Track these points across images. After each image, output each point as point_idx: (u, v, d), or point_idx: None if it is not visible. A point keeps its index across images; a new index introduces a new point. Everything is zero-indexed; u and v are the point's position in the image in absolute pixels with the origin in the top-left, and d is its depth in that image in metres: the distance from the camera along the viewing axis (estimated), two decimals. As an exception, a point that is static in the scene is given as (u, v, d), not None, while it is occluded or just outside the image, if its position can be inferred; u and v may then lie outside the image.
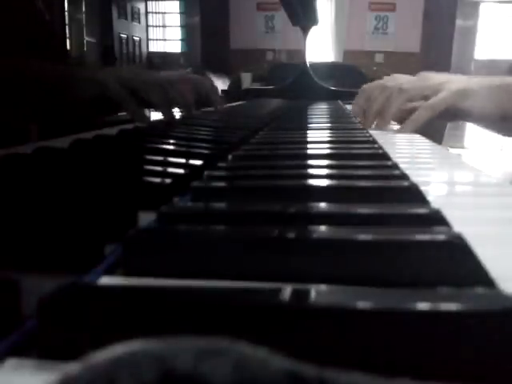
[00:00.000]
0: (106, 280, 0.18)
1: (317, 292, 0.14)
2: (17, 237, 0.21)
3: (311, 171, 0.34)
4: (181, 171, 0.34)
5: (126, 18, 5.69)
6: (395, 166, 0.34)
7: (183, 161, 0.39)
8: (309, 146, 0.48)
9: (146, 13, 6.10)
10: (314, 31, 1.53)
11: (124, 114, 0.61)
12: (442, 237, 0.18)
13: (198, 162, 0.38)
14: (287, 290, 0.13)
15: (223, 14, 5.69)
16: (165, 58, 5.93)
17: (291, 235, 0.18)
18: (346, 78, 2.52)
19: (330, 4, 5.39)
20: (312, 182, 0.30)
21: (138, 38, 5.95)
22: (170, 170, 0.36)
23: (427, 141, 0.62)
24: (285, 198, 0.27)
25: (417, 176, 0.31)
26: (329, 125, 0.74)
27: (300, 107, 1.19)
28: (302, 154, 0.43)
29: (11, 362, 0.13)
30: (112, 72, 0.60)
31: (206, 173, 0.31)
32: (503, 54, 5.09)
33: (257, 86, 3.06)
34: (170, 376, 0.09)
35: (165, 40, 6.18)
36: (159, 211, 0.23)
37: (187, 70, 4.59)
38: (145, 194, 0.27)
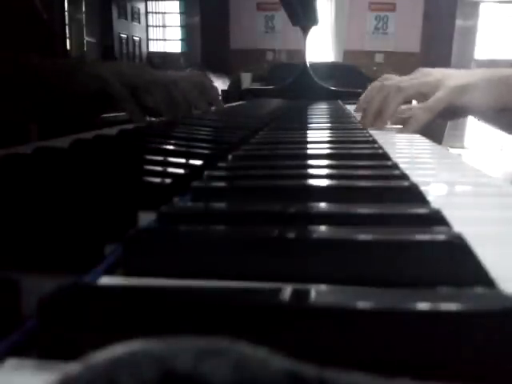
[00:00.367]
0: (105, 280, 0.18)
1: (317, 292, 0.14)
2: (17, 237, 0.21)
3: (311, 171, 0.34)
4: (181, 171, 0.34)
5: (126, 18, 5.69)
6: (395, 166, 0.34)
7: (183, 161, 0.39)
8: (309, 145, 0.48)
9: (146, 13, 6.09)
10: (313, 31, 1.53)
11: (123, 113, 0.61)
12: (441, 237, 0.18)
13: (198, 162, 0.38)
14: (287, 290, 0.13)
15: (223, 14, 5.68)
16: (165, 58, 5.92)
17: (291, 235, 0.18)
18: (346, 78, 2.52)
19: (329, 4, 5.39)
20: (312, 182, 0.30)
21: (137, 38, 5.94)
22: (170, 169, 0.36)
23: (427, 141, 0.61)
24: (285, 198, 0.27)
25: (417, 176, 0.31)
26: (329, 125, 0.74)
27: (300, 107, 1.19)
28: (302, 154, 0.43)
29: (11, 362, 0.13)
30: (113, 68, 0.60)
31: (206, 173, 0.31)
32: (503, 54, 5.08)
33: (257, 86, 3.06)
34: (170, 376, 0.09)
35: (165, 40, 6.18)
36: (159, 211, 0.23)
37: (187, 69, 4.59)
38: (145, 194, 0.27)
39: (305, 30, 1.52)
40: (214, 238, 0.19)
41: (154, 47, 6.20)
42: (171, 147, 0.48)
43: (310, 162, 0.38)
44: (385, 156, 0.40)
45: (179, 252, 0.18)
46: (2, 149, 0.40)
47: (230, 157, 0.39)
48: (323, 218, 0.22)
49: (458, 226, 0.20)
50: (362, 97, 0.85)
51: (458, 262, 0.17)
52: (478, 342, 0.12)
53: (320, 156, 0.41)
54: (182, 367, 0.09)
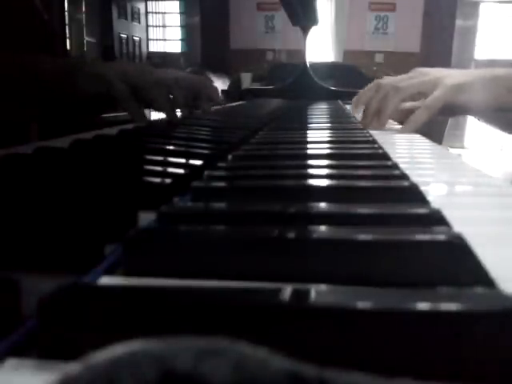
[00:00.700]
0: (105, 280, 0.18)
1: (317, 292, 0.14)
2: (17, 237, 0.21)
3: (311, 171, 0.34)
4: (181, 171, 0.34)
5: (126, 18, 5.69)
6: (395, 166, 0.34)
7: (183, 161, 0.39)
8: (309, 145, 0.48)
9: (146, 13, 6.09)
10: (314, 31, 1.53)
11: (123, 113, 0.60)
12: (441, 237, 0.18)
13: (198, 162, 0.38)
14: (287, 290, 0.13)
15: (223, 14, 5.68)
16: (165, 58, 5.92)
17: (291, 235, 0.18)
18: (346, 78, 2.52)
19: (329, 4, 5.39)
20: (312, 182, 0.30)
21: (137, 38, 5.94)
22: (170, 169, 0.36)
23: (427, 141, 0.61)
24: (285, 198, 0.27)
25: (417, 176, 0.31)
26: (329, 125, 0.74)
27: (300, 107, 1.19)
28: (302, 154, 0.43)
29: (11, 362, 0.13)
30: (114, 67, 0.60)
31: (206, 173, 0.31)
32: (503, 54, 5.08)
33: (257, 86, 3.06)
34: (170, 376, 0.09)
35: (165, 40, 6.18)
36: (159, 211, 0.23)
37: (187, 69, 4.59)
38: (145, 194, 0.27)
39: (305, 30, 1.52)
40: (213, 238, 0.19)
41: (154, 47, 6.20)
42: (171, 147, 0.48)
43: (310, 162, 0.38)
44: (385, 156, 0.40)
45: (179, 252, 0.18)
46: (2, 149, 0.40)
47: (229, 157, 0.39)
48: (323, 218, 0.22)
49: (457, 226, 0.20)
50: (358, 95, 0.85)
51: (457, 262, 0.17)
52: (478, 342, 0.12)
53: (320, 156, 0.41)
54: (181, 367, 0.09)
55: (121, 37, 5.58)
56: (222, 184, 0.30)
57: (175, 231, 0.20)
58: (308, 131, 0.64)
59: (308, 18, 1.44)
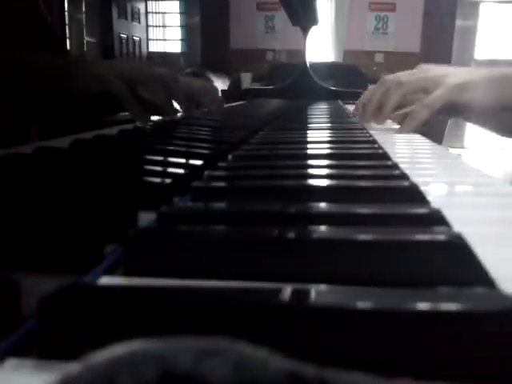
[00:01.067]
0: (105, 280, 0.18)
1: (317, 292, 0.14)
2: (17, 237, 0.21)
3: (311, 171, 0.34)
4: (181, 171, 0.34)
5: (126, 18, 5.69)
6: (395, 166, 0.34)
7: (183, 161, 0.39)
8: (309, 145, 0.48)
9: (146, 13, 6.10)
10: (314, 31, 1.53)
11: (124, 114, 0.60)
12: (442, 237, 0.18)
13: (198, 162, 0.38)
14: (287, 290, 0.13)
15: (223, 14, 5.69)
16: (165, 58, 5.92)
17: (291, 235, 0.18)
18: (346, 78, 2.52)
19: (329, 4, 5.39)
20: (312, 182, 0.30)
21: (137, 38, 5.94)
22: (170, 169, 0.36)
23: (427, 141, 0.61)
24: (285, 198, 0.27)
25: (417, 176, 0.31)
26: (329, 125, 0.74)
27: (300, 107, 1.19)
28: (302, 154, 0.43)
29: (11, 362, 0.13)
30: (113, 66, 0.60)
31: (206, 173, 0.31)
32: (503, 54, 5.08)
33: (257, 86, 3.06)
34: (170, 376, 0.09)
35: (165, 40, 6.18)
36: (159, 211, 0.23)
37: (187, 69, 4.59)
38: (145, 194, 0.27)
39: (305, 30, 1.52)
40: (213, 238, 0.19)
41: (154, 47, 6.20)
42: (171, 147, 0.48)
43: (310, 162, 0.38)
44: (385, 156, 0.40)
45: (179, 252, 0.18)
46: (2, 149, 0.40)
47: (230, 157, 0.39)
48: (323, 218, 0.22)
49: (457, 226, 0.20)
50: (361, 98, 0.85)
51: (457, 262, 0.17)
52: (478, 342, 0.12)
53: (320, 156, 0.41)
54: (181, 367, 0.09)
55: (121, 37, 5.58)
56: (221, 184, 0.30)
57: (175, 231, 0.20)
58: (308, 131, 0.64)
59: (308, 17, 1.44)
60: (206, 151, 0.44)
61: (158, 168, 0.36)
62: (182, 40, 6.11)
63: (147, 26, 6.14)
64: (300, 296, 0.13)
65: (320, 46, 5.22)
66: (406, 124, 0.68)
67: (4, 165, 0.34)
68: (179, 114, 0.72)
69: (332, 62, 4.30)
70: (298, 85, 1.59)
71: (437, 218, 0.21)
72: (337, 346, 0.12)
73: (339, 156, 0.41)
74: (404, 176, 0.30)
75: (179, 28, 6.11)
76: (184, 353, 0.09)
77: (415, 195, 0.26)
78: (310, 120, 0.84)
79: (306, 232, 0.19)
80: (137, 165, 0.37)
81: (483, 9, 5.28)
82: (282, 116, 0.94)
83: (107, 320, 0.13)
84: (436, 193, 0.31)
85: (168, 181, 0.30)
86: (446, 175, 0.40)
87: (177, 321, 0.13)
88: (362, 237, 0.18)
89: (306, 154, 0.43)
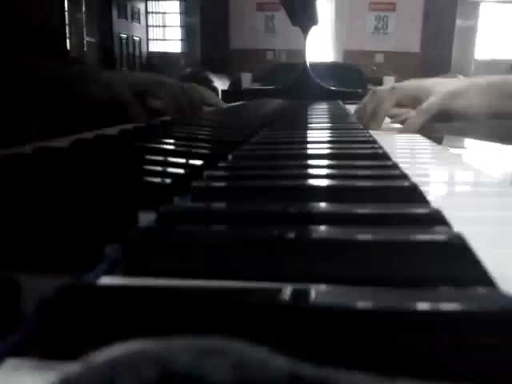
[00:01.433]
0: (106, 280, 0.18)
1: (317, 292, 0.14)
2: (17, 237, 0.21)
3: (311, 171, 0.34)
4: (181, 171, 0.34)
5: (126, 18, 5.69)
6: (395, 166, 0.34)
7: (183, 161, 0.39)
8: (309, 145, 0.48)
9: (146, 13, 6.10)
10: (314, 31, 1.53)
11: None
12: (442, 237, 0.18)
13: (198, 162, 0.38)
14: (287, 290, 0.13)
15: (223, 14, 5.69)
16: (165, 58, 5.92)
17: (291, 235, 0.18)
18: (346, 78, 2.52)
19: (329, 4, 5.39)
20: (312, 181, 0.30)
21: (137, 38, 5.95)
22: (170, 169, 0.36)
23: (427, 141, 0.61)
24: (285, 198, 0.27)
25: (417, 176, 0.31)
26: (329, 125, 0.74)
27: (300, 107, 1.19)
28: (302, 153, 0.43)
29: (11, 362, 0.13)
30: (120, 75, 0.60)
31: (205, 173, 0.31)
32: (503, 54, 5.08)
33: (257, 86, 3.06)
34: (170, 376, 0.09)
35: (165, 40, 6.18)
36: (159, 211, 0.23)
37: (187, 70, 4.59)
38: (145, 194, 0.27)
39: (305, 30, 1.52)
40: (213, 239, 0.19)
41: (154, 47, 6.20)
42: (171, 147, 0.48)
43: (310, 161, 0.38)
44: (385, 156, 0.40)
45: (179, 252, 0.18)
46: (2, 149, 0.40)
47: (229, 157, 0.39)
48: (323, 218, 0.22)
49: (457, 226, 0.20)
50: (360, 105, 0.86)
51: (457, 261, 0.17)
52: (478, 341, 0.12)
53: (320, 156, 0.41)
54: (181, 367, 0.09)
55: (121, 37, 5.58)
56: (221, 184, 0.30)
57: (175, 231, 0.20)
58: (308, 131, 0.64)
59: (308, 17, 1.44)
60: (205, 151, 0.44)
61: (158, 168, 0.36)
62: (181, 40, 6.11)
63: (147, 25, 6.14)
64: (300, 296, 0.13)
65: (320, 45, 5.22)
66: (404, 129, 0.71)
67: (4, 165, 0.34)
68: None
69: (332, 62, 4.29)
70: (298, 85, 1.59)
71: (437, 218, 0.21)
72: (337, 345, 0.12)
73: (339, 156, 0.41)
74: (404, 176, 0.30)
75: (179, 28, 6.11)
76: (184, 353, 0.09)
77: (415, 195, 0.26)
78: (310, 120, 0.84)
79: (306, 232, 0.19)
80: (137, 165, 0.37)
81: (483, 9, 5.28)
82: (282, 116, 0.94)
83: (107, 320, 0.13)
84: (436, 193, 0.31)
85: (168, 181, 0.30)
86: (446, 175, 0.40)
87: (177, 321, 0.13)
88: (362, 237, 0.18)
89: (306, 153, 0.43)
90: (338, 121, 0.83)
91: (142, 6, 6.00)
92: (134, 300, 0.14)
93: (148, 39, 6.17)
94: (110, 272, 0.19)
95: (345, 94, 1.56)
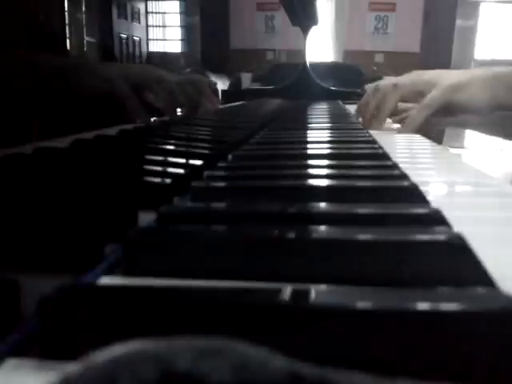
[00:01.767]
0: (106, 280, 0.18)
1: (317, 292, 0.14)
2: (17, 237, 0.21)
3: (311, 171, 0.34)
4: (181, 171, 0.34)
5: (126, 18, 5.69)
6: (395, 166, 0.34)
7: (183, 161, 0.39)
8: (309, 145, 0.48)
9: (146, 13, 6.09)
10: (314, 31, 1.53)
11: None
12: (441, 237, 0.18)
13: (198, 162, 0.38)
14: (287, 290, 0.13)
15: (223, 14, 5.68)
16: (165, 58, 5.92)
17: (291, 235, 0.18)
18: (346, 78, 2.52)
19: (329, 4, 5.39)
20: (312, 182, 0.30)
21: (137, 38, 5.94)
22: (170, 169, 0.36)
23: (427, 141, 0.61)
24: (285, 198, 0.27)
25: (417, 176, 0.31)
26: (329, 125, 0.74)
27: (300, 107, 1.19)
28: (302, 153, 0.43)
29: (11, 362, 0.13)
30: (116, 68, 0.60)
31: (205, 173, 0.31)
32: (503, 54, 5.08)
33: (257, 86, 3.06)
34: (170, 376, 0.09)
35: (165, 40, 6.18)
36: (159, 211, 0.23)
37: (187, 70, 4.59)
38: (145, 194, 0.27)
39: (305, 30, 1.52)
40: (213, 238, 0.19)
41: (154, 47, 6.20)
42: (171, 147, 0.48)
43: (310, 162, 0.38)
44: (385, 156, 0.40)
45: (179, 252, 0.18)
46: (2, 149, 0.40)
47: (229, 157, 0.39)
48: (323, 218, 0.22)
49: (457, 226, 0.20)
50: (361, 101, 0.85)
51: (457, 261, 0.17)
52: (477, 341, 0.12)
53: (320, 156, 0.41)
54: (181, 367, 0.09)
55: (121, 37, 5.58)
56: (221, 184, 0.30)
57: (175, 231, 0.20)
58: (308, 131, 0.64)
59: (308, 17, 1.44)
60: (205, 151, 0.44)
61: (158, 168, 0.36)
62: (182, 40, 6.11)
63: (147, 25, 6.14)
64: (300, 296, 0.13)
65: (320, 45, 5.22)
66: (405, 126, 0.69)
67: (4, 165, 0.34)
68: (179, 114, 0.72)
69: (332, 62, 4.29)
70: (298, 85, 1.59)
71: (437, 218, 0.21)
72: (337, 345, 0.12)
73: (339, 156, 0.41)
74: (404, 176, 0.30)
75: (179, 28, 6.11)
76: (184, 353, 0.09)
77: (415, 195, 0.26)
78: (309, 120, 0.84)
79: (305, 232, 0.19)
80: (137, 165, 0.37)
81: (483, 9, 5.28)
82: (282, 116, 0.94)
83: (107, 320, 0.13)
84: (436, 193, 0.31)
85: (168, 181, 0.30)
86: (446, 175, 0.40)
87: (177, 321, 0.13)
88: (362, 237, 0.18)
89: (306, 153, 0.43)
90: (337, 121, 0.83)
91: (142, 6, 6.00)
92: (133, 300, 0.14)
93: (148, 39, 6.17)
94: (109, 272, 0.19)
95: (345, 94, 1.56)
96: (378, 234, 0.18)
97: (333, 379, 0.09)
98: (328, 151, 0.44)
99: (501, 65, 0.67)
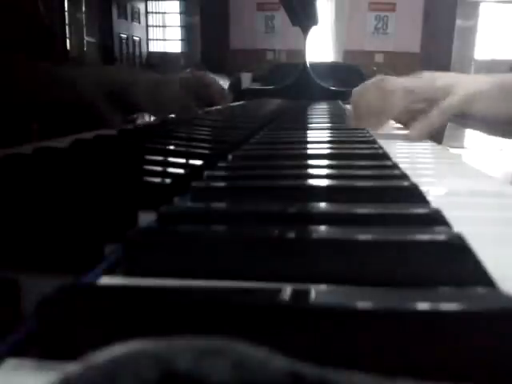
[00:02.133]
0: (106, 280, 0.18)
1: (317, 292, 0.14)
2: (17, 237, 0.21)
3: (311, 171, 0.34)
4: (181, 171, 0.34)
5: (126, 18, 5.69)
6: (395, 166, 0.34)
7: (183, 161, 0.39)
8: (309, 145, 0.48)
9: (146, 13, 6.09)
10: (314, 31, 1.53)
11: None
12: (441, 237, 0.18)
13: (198, 162, 0.38)
14: (287, 290, 0.13)
15: (223, 14, 5.68)
16: (165, 58, 5.92)
17: (291, 235, 0.18)
18: (346, 78, 2.52)
19: (329, 4, 5.38)
20: (312, 182, 0.30)
21: (137, 38, 5.94)
22: (170, 169, 0.36)
23: (427, 141, 0.61)
24: (285, 198, 0.27)
25: (417, 176, 0.31)
26: (329, 125, 0.74)
27: (300, 107, 1.19)
28: (302, 153, 0.43)
29: (11, 362, 0.13)
30: (89, 73, 0.60)
31: (206, 173, 0.31)
32: (503, 54, 5.08)
33: (257, 86, 3.06)
34: (170, 376, 0.09)
35: (165, 40, 6.18)
36: (159, 211, 0.23)
37: (187, 70, 4.58)
38: (145, 194, 0.27)
39: (305, 30, 1.52)
40: (213, 238, 0.19)
41: (154, 47, 6.20)
42: (171, 147, 0.48)
43: (310, 162, 0.38)
44: (385, 156, 0.40)
45: (179, 252, 0.18)
46: (2, 149, 0.40)
47: (229, 157, 0.39)
48: (323, 218, 0.22)
49: (457, 226, 0.20)
50: (356, 95, 0.82)
51: (457, 261, 0.17)
52: (477, 341, 0.12)
53: (320, 156, 0.41)
54: (181, 367, 0.09)
55: (121, 37, 5.58)
56: (221, 184, 0.30)
57: (175, 231, 0.20)
58: (308, 131, 0.64)
59: (308, 17, 1.44)
60: (205, 151, 0.44)
61: (158, 168, 0.36)
62: (182, 40, 6.11)
63: (147, 25, 6.14)
64: (300, 296, 0.13)
65: (320, 45, 5.21)
66: (417, 129, 0.64)
67: (4, 165, 0.34)
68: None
69: (332, 62, 4.29)
70: (298, 85, 1.59)
71: (437, 218, 0.21)
72: (337, 345, 0.12)
73: (339, 156, 0.41)
74: (404, 176, 0.30)
75: (179, 28, 6.10)
76: (184, 353, 0.09)
77: (415, 195, 0.26)
78: (309, 120, 0.84)
79: (305, 232, 0.19)
80: (137, 165, 0.37)
81: (483, 9, 5.28)
82: (281, 116, 0.94)
83: (107, 320, 0.13)
84: (436, 193, 0.31)
85: (168, 181, 0.30)
86: (446, 175, 0.40)
87: (177, 321, 0.13)
88: (362, 237, 0.18)
89: (306, 154, 0.43)
90: (337, 121, 0.83)
91: (142, 6, 6.00)
92: (134, 300, 0.14)
93: (148, 39, 6.16)
94: (109, 272, 0.19)
95: (345, 94, 1.56)
96: (378, 234, 0.18)
97: (333, 379, 0.09)
98: (328, 151, 0.44)
99: (501, 65, 0.66)
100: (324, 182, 0.30)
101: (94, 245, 0.21)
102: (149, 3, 6.09)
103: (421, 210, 0.22)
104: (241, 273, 0.17)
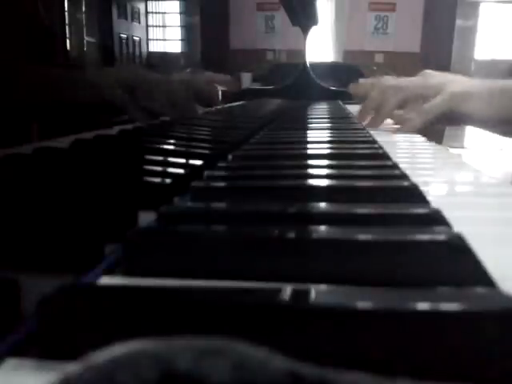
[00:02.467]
0: (106, 280, 0.18)
1: (317, 292, 0.14)
2: (17, 237, 0.21)
3: (311, 171, 0.34)
4: (181, 171, 0.34)
5: (126, 18, 5.69)
6: (395, 166, 0.34)
7: (183, 161, 0.39)
8: (309, 145, 0.48)
9: (146, 13, 6.09)
10: (314, 31, 1.53)
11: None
12: (441, 237, 0.18)
13: (198, 162, 0.38)
14: (287, 290, 0.13)
15: (223, 14, 5.68)
16: (165, 58, 5.92)
17: (291, 235, 0.18)
18: (346, 78, 2.52)
19: (329, 4, 5.38)
20: (312, 181, 0.30)
21: (137, 38, 5.94)
22: (170, 169, 0.36)
23: (427, 141, 0.61)
24: (285, 198, 0.27)
25: (417, 176, 0.31)
26: (329, 125, 0.74)
27: (300, 107, 1.19)
28: (302, 153, 0.43)
29: (11, 362, 0.13)
30: (112, 73, 0.60)
31: (206, 173, 0.31)
32: (503, 54, 5.08)
33: (257, 86, 3.06)
34: (170, 376, 0.09)
35: (165, 40, 6.18)
36: (159, 211, 0.23)
37: (187, 70, 4.58)
38: (145, 194, 0.27)
39: (305, 30, 1.52)
40: (213, 238, 0.19)
41: (154, 47, 6.20)
42: (171, 147, 0.48)
43: (310, 162, 0.38)
44: (385, 156, 0.40)
45: (179, 252, 0.18)
46: (2, 149, 0.40)
47: (229, 157, 0.39)
48: (323, 218, 0.22)
49: (457, 226, 0.20)
50: (356, 85, 0.84)
51: (457, 261, 0.17)
52: (477, 341, 0.12)
53: (320, 156, 0.41)
54: (181, 367, 0.09)
55: (121, 37, 5.58)
56: (221, 184, 0.30)
57: (175, 231, 0.20)
58: (308, 131, 0.64)
59: (308, 17, 1.44)
60: (205, 151, 0.44)
61: (158, 168, 0.36)
62: (182, 40, 6.11)
63: (147, 25, 6.13)
64: (300, 296, 0.13)
65: (320, 45, 5.21)
66: (403, 128, 0.69)
67: (4, 165, 0.34)
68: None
69: (332, 62, 4.29)
70: (298, 85, 1.59)
71: (437, 218, 0.21)
72: (337, 345, 0.12)
73: (339, 156, 0.41)
74: (404, 176, 0.30)
75: (179, 28, 6.10)
76: (184, 353, 0.09)
77: (415, 195, 0.26)
78: (309, 120, 0.84)
79: (305, 232, 0.19)
80: (137, 165, 0.37)
81: (483, 9, 5.28)
82: (281, 116, 0.94)
83: (107, 320, 0.13)
84: (436, 193, 0.31)
85: (168, 181, 0.30)
86: (446, 175, 0.40)
87: (177, 321, 0.13)
88: (362, 237, 0.18)
89: (306, 154, 0.43)
90: (337, 121, 0.83)
91: (142, 6, 6.00)
92: (133, 300, 0.14)
93: (148, 39, 6.16)
94: (109, 272, 0.19)
95: (345, 94, 1.56)
96: (378, 234, 0.18)
97: (333, 379, 0.09)
98: (328, 151, 0.44)
99: (501, 65, 0.67)
100: (324, 182, 0.30)
101: (94, 245, 0.21)
102: (149, 3, 6.09)
103: (421, 210, 0.22)
104: (241, 273, 0.17)
